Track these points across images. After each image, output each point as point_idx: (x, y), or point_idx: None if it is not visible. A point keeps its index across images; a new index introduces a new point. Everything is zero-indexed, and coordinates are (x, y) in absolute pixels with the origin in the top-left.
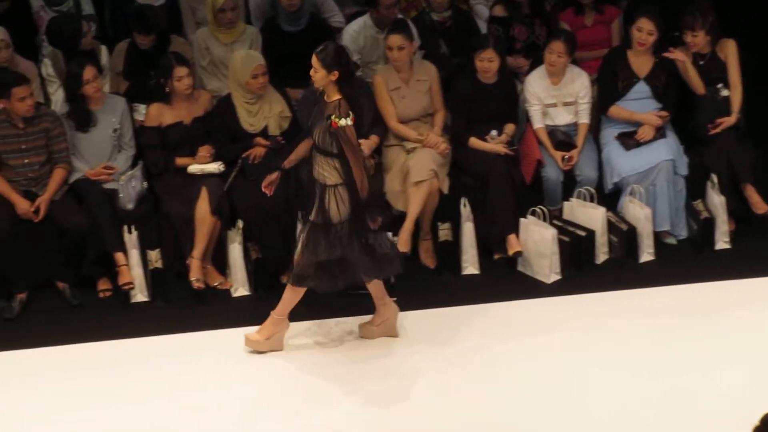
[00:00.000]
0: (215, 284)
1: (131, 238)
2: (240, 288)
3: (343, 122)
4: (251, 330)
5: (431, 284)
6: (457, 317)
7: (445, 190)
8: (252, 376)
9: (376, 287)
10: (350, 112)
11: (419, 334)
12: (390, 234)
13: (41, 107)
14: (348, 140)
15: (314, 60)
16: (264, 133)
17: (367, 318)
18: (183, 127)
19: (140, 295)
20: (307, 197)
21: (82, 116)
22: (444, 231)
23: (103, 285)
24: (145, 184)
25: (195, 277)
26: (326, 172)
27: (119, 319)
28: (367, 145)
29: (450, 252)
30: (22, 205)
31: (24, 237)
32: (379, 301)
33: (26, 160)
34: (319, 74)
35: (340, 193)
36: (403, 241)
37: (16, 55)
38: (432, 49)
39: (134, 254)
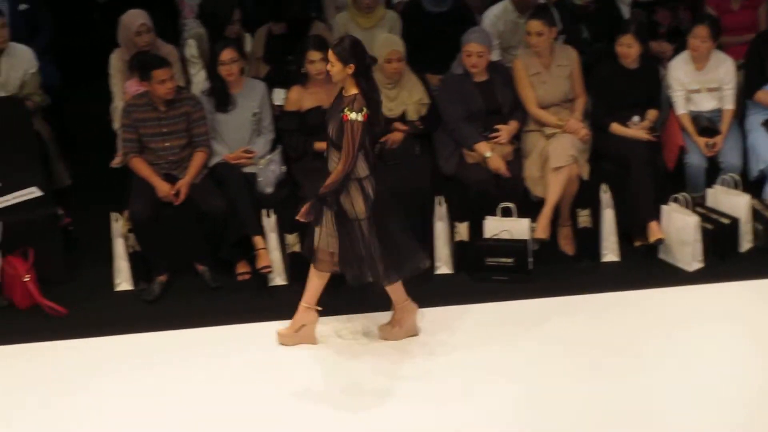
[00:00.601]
0: None
1: (270, 221)
2: None
3: (353, 116)
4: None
5: (570, 271)
6: (595, 304)
7: (585, 176)
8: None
9: (395, 289)
10: (364, 108)
11: (557, 321)
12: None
13: (182, 91)
14: (352, 135)
15: (330, 54)
16: (402, 118)
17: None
18: (322, 111)
19: (278, 279)
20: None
21: (221, 96)
22: (583, 217)
23: (242, 268)
24: (284, 168)
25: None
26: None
27: (257, 303)
28: (507, 130)
29: (589, 238)
30: (163, 188)
31: (164, 220)
32: (398, 305)
33: (167, 144)
34: (335, 68)
35: (363, 186)
36: (542, 228)
37: (158, 39)
38: (573, 34)
39: (272, 238)
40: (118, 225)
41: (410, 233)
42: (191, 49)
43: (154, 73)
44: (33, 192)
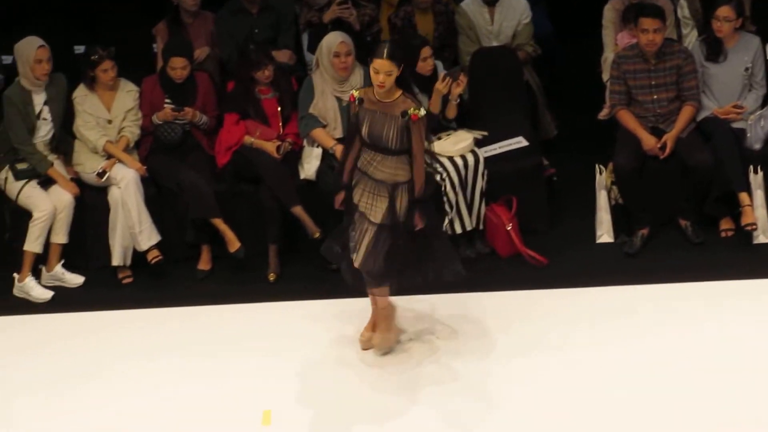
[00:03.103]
0: None
1: (756, 178)
2: None
3: (421, 113)
4: None
5: None
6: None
7: None
8: None
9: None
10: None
11: None
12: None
13: (674, 44)
14: (425, 131)
15: (385, 63)
16: None
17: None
18: None
19: (762, 237)
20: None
21: (713, 47)
22: None
23: (726, 225)
24: None
25: None
26: (400, 170)
27: (740, 260)
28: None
29: None
30: (649, 142)
31: (649, 173)
32: (384, 309)
33: (655, 96)
34: (392, 76)
35: (407, 189)
36: None
37: None
38: None
39: (759, 195)
40: (602, 177)
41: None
42: (683, 10)
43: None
44: (520, 141)
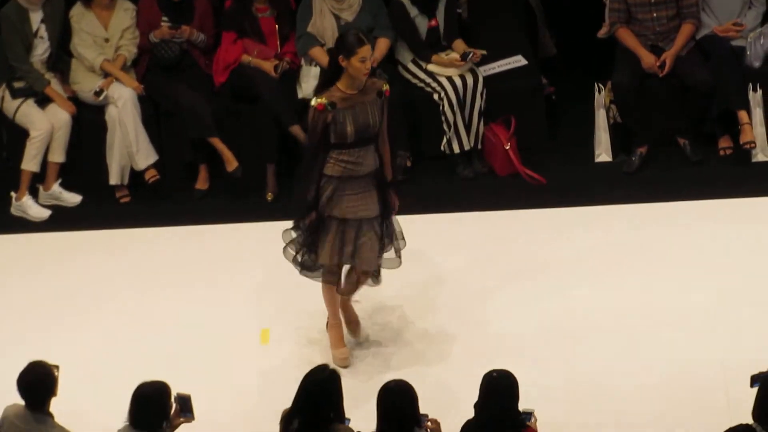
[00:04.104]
0: None
1: (756, 96)
2: None
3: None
4: None
5: None
6: None
7: None
8: None
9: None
10: None
11: None
12: None
13: None
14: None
15: (369, 48)
16: None
17: None
18: None
19: (761, 155)
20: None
21: None
22: None
23: (724, 143)
24: None
25: None
26: (376, 154)
27: (740, 178)
28: None
29: None
30: (648, 60)
31: (648, 92)
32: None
33: (654, 14)
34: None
35: (383, 170)
36: None
37: None
38: None
39: (758, 113)
40: (601, 96)
41: None
42: None
43: None
44: (519, 60)
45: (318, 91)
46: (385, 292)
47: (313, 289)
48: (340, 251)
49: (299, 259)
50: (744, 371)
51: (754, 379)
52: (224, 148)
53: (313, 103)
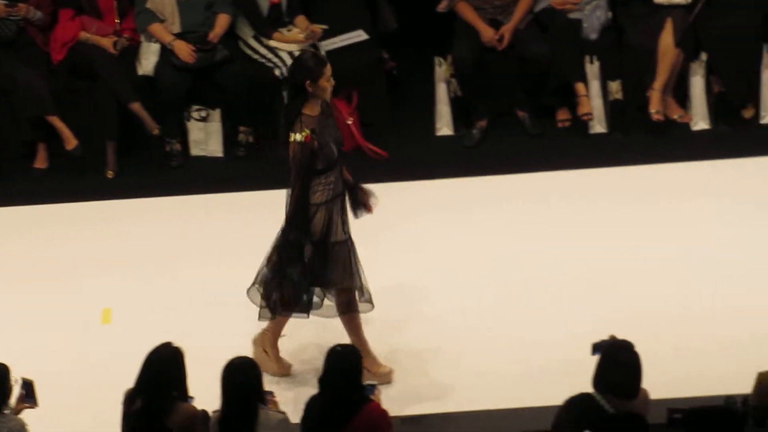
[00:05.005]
0: (675, 117)
1: (593, 68)
2: (700, 122)
3: None
4: (708, 165)
5: None
6: None
7: None
8: None
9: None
10: None
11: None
12: None
13: None
14: None
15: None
16: None
17: None
18: None
19: (598, 126)
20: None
21: None
22: None
23: (563, 115)
24: (610, 14)
25: (655, 109)
26: None
27: (577, 149)
28: None
29: None
30: (487, 33)
31: (487, 65)
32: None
33: None
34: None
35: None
36: None
37: None
38: None
39: (595, 85)
40: (441, 69)
41: None
42: None
43: None
44: (359, 35)
45: (289, 126)
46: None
47: (162, 266)
48: (357, 271)
49: (305, 299)
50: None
51: (596, 348)
52: (63, 126)
53: (298, 138)
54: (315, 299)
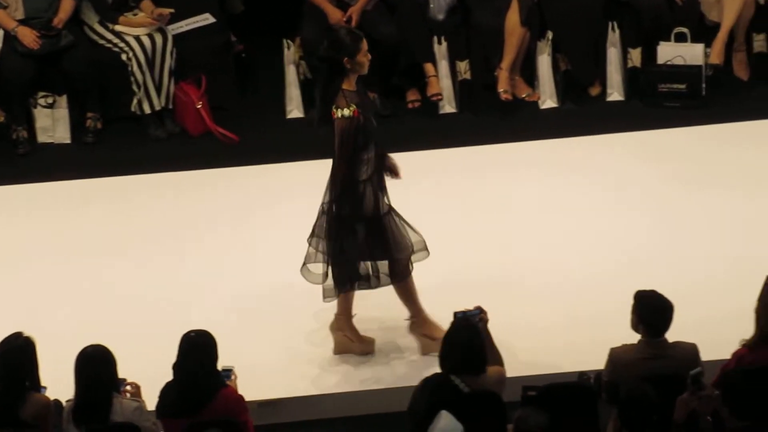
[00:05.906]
0: (523, 96)
1: (441, 48)
2: (548, 100)
3: None
4: (557, 143)
5: (744, 96)
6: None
7: (762, 0)
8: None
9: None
10: None
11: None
12: None
13: None
14: None
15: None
16: None
17: None
18: None
19: (448, 106)
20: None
21: None
22: (759, 42)
23: (412, 96)
24: None
25: (503, 88)
26: None
27: (427, 130)
28: None
29: (764, 63)
30: (335, 15)
31: None
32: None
33: None
34: None
35: None
36: (716, 53)
37: None
38: None
39: (443, 65)
40: (290, 52)
41: None
42: None
43: None
44: (206, 18)
45: (329, 102)
46: None
47: None
48: (407, 234)
49: (366, 272)
50: None
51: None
52: None
53: (345, 114)
54: (372, 272)
